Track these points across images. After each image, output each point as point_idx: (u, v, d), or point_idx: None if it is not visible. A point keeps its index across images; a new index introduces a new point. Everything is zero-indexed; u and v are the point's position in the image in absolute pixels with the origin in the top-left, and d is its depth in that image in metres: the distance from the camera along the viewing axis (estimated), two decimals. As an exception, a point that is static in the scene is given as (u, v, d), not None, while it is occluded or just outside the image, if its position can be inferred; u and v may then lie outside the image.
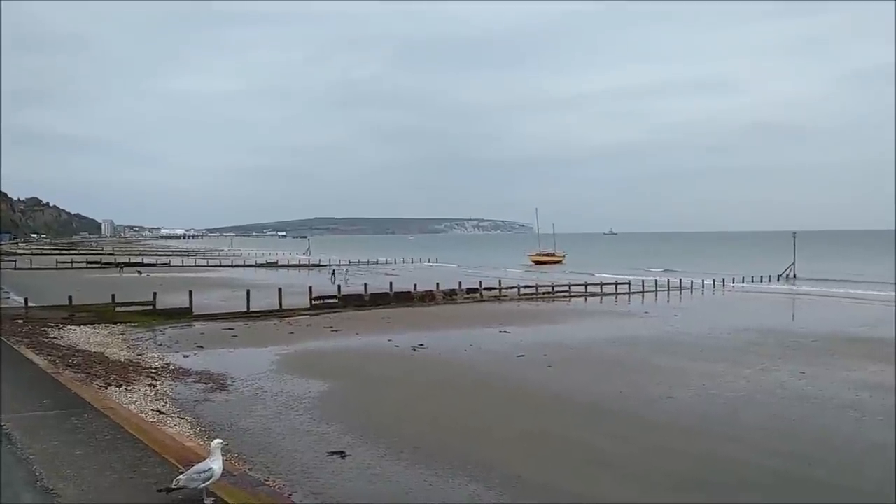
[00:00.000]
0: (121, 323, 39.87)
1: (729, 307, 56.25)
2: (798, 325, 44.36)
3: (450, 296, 57.35)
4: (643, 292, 66.39)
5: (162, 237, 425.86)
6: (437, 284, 58.69)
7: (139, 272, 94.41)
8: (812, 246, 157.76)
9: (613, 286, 66.90)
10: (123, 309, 42.49)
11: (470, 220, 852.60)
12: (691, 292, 68.28)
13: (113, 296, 43.19)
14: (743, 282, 78.39)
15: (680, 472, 16.37)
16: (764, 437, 19.04)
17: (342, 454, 17.08)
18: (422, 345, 33.97)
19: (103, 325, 38.64)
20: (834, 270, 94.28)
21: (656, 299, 61.86)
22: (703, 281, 74.07)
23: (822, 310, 54.20)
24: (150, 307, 43.68)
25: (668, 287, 69.09)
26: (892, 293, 66.45)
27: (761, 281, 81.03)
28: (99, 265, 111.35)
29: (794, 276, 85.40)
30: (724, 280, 76.60)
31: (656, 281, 72.62)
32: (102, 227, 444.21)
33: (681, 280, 72.34)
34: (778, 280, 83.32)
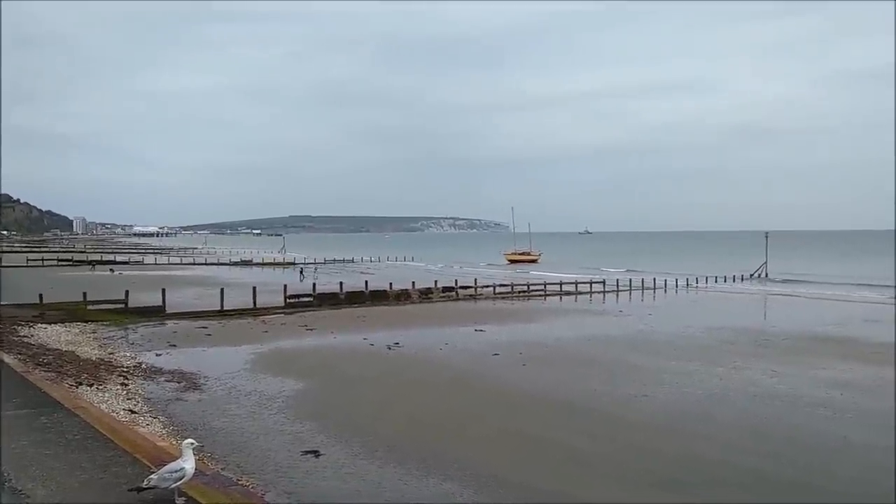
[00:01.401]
0: (92, 321, 39.42)
1: (702, 306, 56.74)
2: (770, 324, 44.83)
3: (425, 294, 57.35)
4: (618, 291, 66.80)
5: (135, 235, 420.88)
6: (413, 283, 58.71)
7: (111, 270, 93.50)
8: (785, 246, 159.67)
9: (588, 285, 67.27)
10: (95, 307, 42.03)
11: (446, 218, 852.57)
12: (665, 291, 68.77)
13: (84, 294, 42.71)
14: (716, 281, 79.06)
15: (655, 470, 16.47)
16: (737, 436, 19.23)
17: (316, 453, 17.00)
18: (397, 343, 33.91)
19: (74, 323, 38.19)
20: (805, 270, 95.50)
21: (630, 298, 62.25)
22: (676, 280, 74.65)
23: (794, 309, 54.85)
24: (123, 305, 43.25)
25: (643, 286, 69.56)
26: (864, 293, 67.52)
27: (734, 280, 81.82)
28: (71, 263, 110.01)
29: (767, 275, 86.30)
30: (697, 279, 77.29)
31: (630, 280, 73.05)
32: (74, 224, 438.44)
33: (654, 279, 72.85)
34: (750, 279, 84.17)
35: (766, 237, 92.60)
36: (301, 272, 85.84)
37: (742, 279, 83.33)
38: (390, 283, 57.95)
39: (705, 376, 26.99)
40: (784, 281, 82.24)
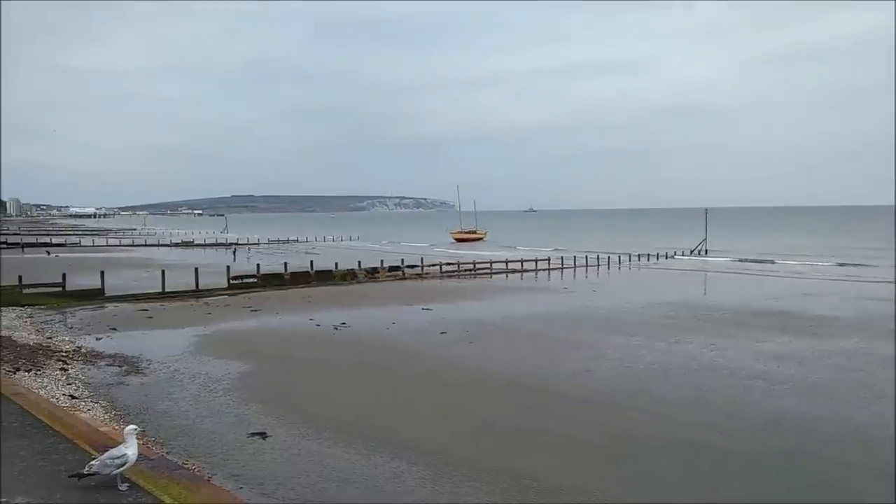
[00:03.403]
0: (28, 305, 38.38)
1: (644, 282, 57.82)
2: (709, 299, 45.93)
3: (371, 274, 57.18)
4: (562, 268, 67.56)
5: (71, 216, 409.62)
6: (359, 262, 58.49)
7: (48, 252, 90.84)
8: (724, 222, 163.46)
9: (534, 262, 67.89)
10: (31, 290, 40.83)
11: (392, 198, 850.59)
12: (608, 268, 69.80)
13: (20, 277, 41.46)
14: (657, 258, 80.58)
15: (598, 443, 16.80)
16: (677, 408, 19.71)
17: (263, 435, 16.91)
18: (344, 323, 33.80)
19: (9, 307, 37.04)
20: (744, 246, 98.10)
21: (575, 275, 63.03)
22: (619, 257, 75.85)
23: (732, 284, 56.25)
24: (60, 289, 42.16)
25: (587, 263, 70.48)
26: (796, 266, 69.61)
27: (674, 256, 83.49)
28: (5, 245, 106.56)
29: (706, 251, 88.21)
30: (639, 256, 78.66)
31: (575, 257, 74.00)
32: (8, 206, 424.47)
33: (598, 256, 73.87)
34: (690, 255, 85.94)
35: (706, 213, 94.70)
36: (234, 252, 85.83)
37: (682, 255, 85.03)
38: (336, 263, 57.64)
39: (647, 351, 27.56)
40: (723, 256, 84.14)
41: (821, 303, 42.14)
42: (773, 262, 76.28)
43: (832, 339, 29.93)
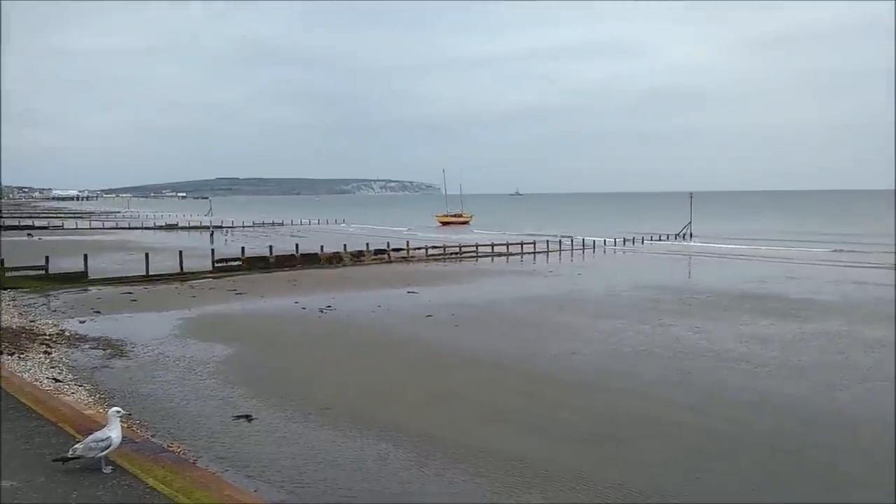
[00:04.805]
0: (11, 288, 38.03)
1: (629, 266, 58.02)
2: (694, 282, 46.21)
3: (357, 257, 57.10)
4: (548, 252, 67.70)
5: (54, 199, 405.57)
6: (345, 246, 58.39)
7: (29, 235, 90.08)
8: (709, 206, 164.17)
9: (519, 246, 67.98)
10: (13, 273, 40.53)
11: (377, 181, 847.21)
12: (594, 251, 69.99)
13: (1, 260, 41.10)
14: (643, 241, 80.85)
15: (582, 425, 16.91)
16: (661, 391, 19.84)
17: (248, 418, 16.90)
18: (329, 307, 33.75)
19: (-9, 290, 36.74)
20: (729, 230, 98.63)
21: (560, 259, 63.20)
22: (605, 241, 76.05)
23: (717, 267, 56.53)
24: (43, 272, 41.88)
25: (572, 246, 70.64)
26: (780, 249, 70.05)
27: (660, 240, 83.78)
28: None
29: (691, 234, 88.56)
30: (624, 239, 78.93)
31: (560, 241, 74.10)
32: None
33: (584, 240, 74.07)
34: (675, 239, 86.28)
35: (691, 197, 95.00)
36: (212, 234, 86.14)
37: (668, 238, 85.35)
38: (321, 246, 57.47)
39: (632, 334, 27.71)
40: (708, 240, 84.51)
41: (804, 286, 42.45)
42: (757, 245, 76.67)
43: (815, 322, 30.20)
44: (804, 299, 36.86)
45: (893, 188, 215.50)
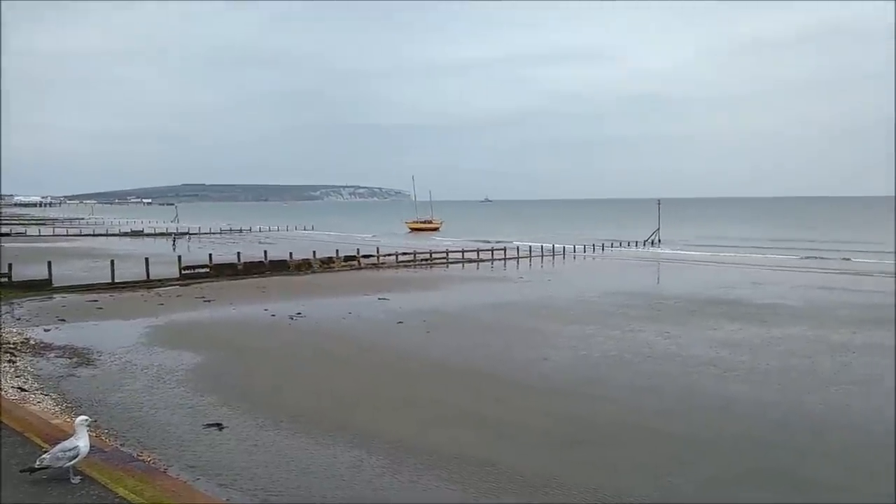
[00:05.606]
0: (-28, 296, 37.30)
1: (599, 272, 58.42)
2: (662, 288, 46.60)
3: (327, 264, 56.79)
4: (518, 258, 67.88)
5: (16, 205, 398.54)
6: (314, 252, 58.05)
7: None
8: (677, 213, 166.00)
9: (490, 252, 68.09)
10: (-26, 281, 39.73)
11: (346, 187, 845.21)
12: (563, 258, 70.33)
13: (-38, 268, 40.29)
14: (612, 247, 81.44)
15: (554, 430, 16.94)
16: (632, 395, 19.97)
17: (219, 426, 16.71)
18: (299, 314, 33.53)
19: (-48, 298, 36.01)
20: (697, 236, 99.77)
21: (530, 265, 63.39)
22: (574, 247, 76.48)
23: (685, 273, 57.09)
24: (6, 279, 41.12)
25: (542, 253, 70.93)
26: (749, 256, 71.00)
27: (629, 246, 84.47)
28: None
29: (660, 241, 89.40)
30: (594, 246, 79.43)
31: (530, 247, 74.34)
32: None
33: (553, 246, 74.41)
34: (644, 245, 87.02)
35: (659, 204, 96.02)
36: (174, 241, 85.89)
37: (636, 245, 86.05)
38: (290, 253, 57.13)
39: (602, 339, 27.86)
40: (676, 247, 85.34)
41: (771, 292, 43.02)
42: (725, 252, 77.54)
43: (781, 326, 30.59)
44: (771, 304, 37.34)
45: (873, 195, 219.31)
